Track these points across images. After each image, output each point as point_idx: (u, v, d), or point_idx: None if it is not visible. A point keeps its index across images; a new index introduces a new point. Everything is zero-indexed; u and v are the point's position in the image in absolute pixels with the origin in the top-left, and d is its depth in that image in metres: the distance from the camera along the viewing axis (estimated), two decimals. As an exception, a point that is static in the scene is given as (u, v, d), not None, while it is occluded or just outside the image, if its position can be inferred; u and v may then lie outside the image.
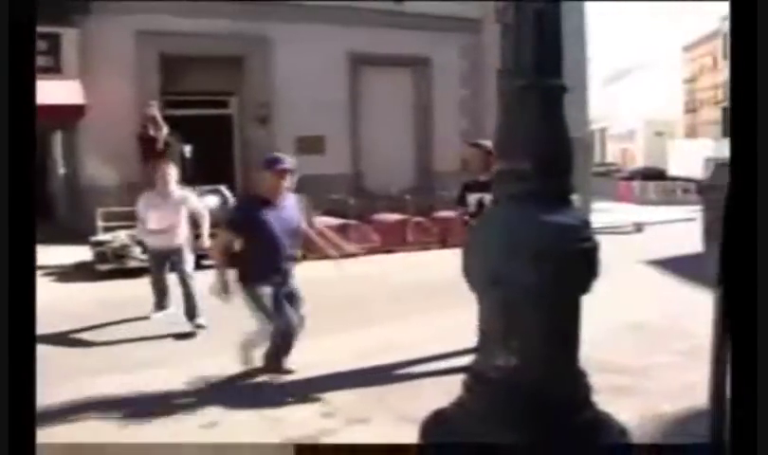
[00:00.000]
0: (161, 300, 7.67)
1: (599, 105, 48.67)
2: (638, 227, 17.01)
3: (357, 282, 8.97)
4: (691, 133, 57.97)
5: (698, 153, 38.43)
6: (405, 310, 7.73)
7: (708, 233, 2.14)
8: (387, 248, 12.17)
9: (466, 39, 18.24)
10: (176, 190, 7.46)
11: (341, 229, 11.55)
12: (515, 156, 2.25)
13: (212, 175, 12.60)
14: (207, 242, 7.25)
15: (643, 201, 27.23)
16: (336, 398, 5.06)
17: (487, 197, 5.75)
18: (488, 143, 5.98)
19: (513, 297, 2.04)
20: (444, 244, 12.44)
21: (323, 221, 11.85)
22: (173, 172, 7.44)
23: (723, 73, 56.02)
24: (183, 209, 7.42)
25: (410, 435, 3.02)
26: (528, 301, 2.04)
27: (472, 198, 5.93)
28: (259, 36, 15.42)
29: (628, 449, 2.35)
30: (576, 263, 2.14)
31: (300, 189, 5.67)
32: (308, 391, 5.19)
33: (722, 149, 36.99)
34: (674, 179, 36.63)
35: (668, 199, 28.06)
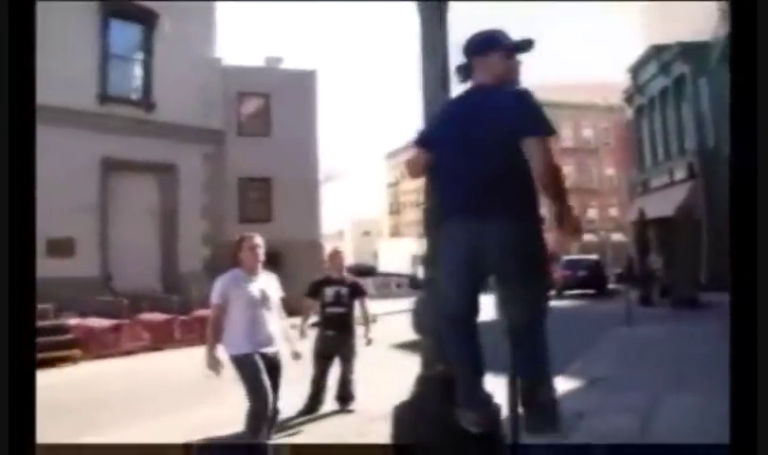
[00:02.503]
0: None
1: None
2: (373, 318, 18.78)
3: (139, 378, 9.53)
4: (396, 232, 63.75)
5: (404, 250, 42.72)
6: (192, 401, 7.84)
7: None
8: (156, 346, 12.66)
9: (209, 148, 19.48)
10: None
11: (115, 329, 12.01)
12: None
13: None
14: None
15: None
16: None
17: (343, 290, 6.99)
18: (341, 248, 7.44)
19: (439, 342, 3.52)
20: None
21: (96, 321, 12.20)
22: None
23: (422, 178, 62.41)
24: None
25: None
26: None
27: (330, 291, 6.99)
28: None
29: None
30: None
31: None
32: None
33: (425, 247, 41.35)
34: (385, 275, 40.29)
35: (384, 293, 31.02)
